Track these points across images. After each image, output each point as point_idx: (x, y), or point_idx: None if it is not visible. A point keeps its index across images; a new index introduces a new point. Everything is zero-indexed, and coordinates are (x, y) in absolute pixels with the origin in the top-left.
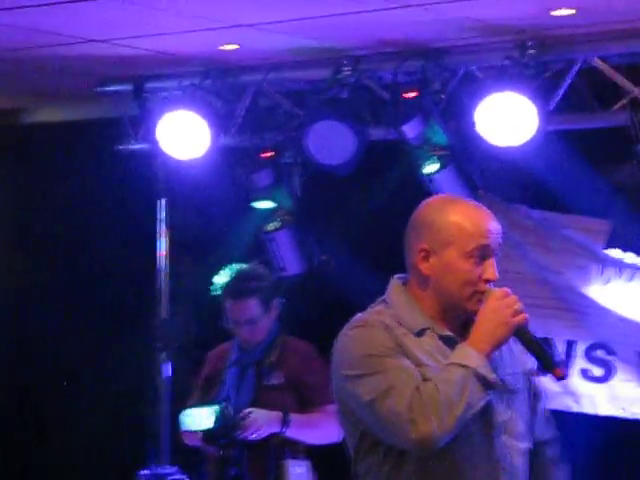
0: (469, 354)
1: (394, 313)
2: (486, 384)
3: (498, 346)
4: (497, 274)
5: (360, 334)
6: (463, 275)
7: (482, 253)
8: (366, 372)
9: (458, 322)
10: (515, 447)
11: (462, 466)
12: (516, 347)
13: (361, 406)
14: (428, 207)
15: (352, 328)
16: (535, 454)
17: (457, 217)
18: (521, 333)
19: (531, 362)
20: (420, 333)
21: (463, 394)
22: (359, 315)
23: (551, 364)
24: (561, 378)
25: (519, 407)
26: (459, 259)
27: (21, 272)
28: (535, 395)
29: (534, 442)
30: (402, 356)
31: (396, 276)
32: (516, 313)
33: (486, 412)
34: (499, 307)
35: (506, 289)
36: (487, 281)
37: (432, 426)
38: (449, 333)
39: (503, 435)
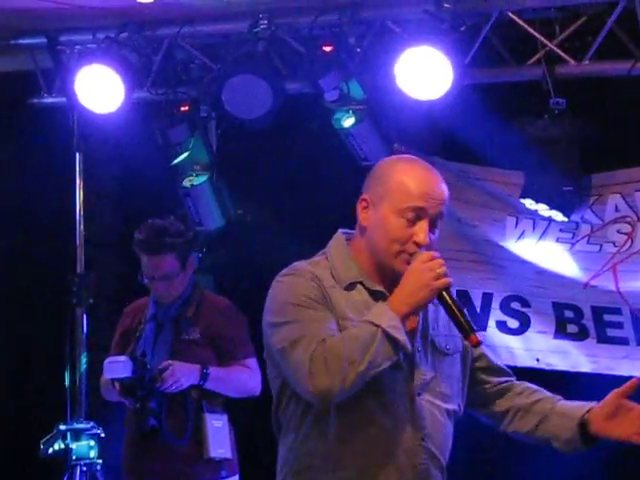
0: (383, 313)
1: (330, 265)
2: (395, 345)
3: (418, 308)
4: (428, 239)
5: (287, 282)
6: (392, 232)
7: (416, 215)
8: (284, 320)
9: (391, 279)
10: (438, 407)
11: (383, 422)
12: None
13: (276, 353)
14: (384, 162)
15: (283, 275)
16: (505, 391)
17: (401, 174)
18: (443, 297)
19: None
20: (350, 286)
21: (367, 352)
22: (295, 263)
23: (468, 331)
24: (476, 345)
25: (447, 369)
26: (391, 214)
27: None
28: (474, 358)
29: (484, 396)
30: (324, 308)
31: (341, 230)
32: (438, 277)
33: (409, 371)
34: (422, 270)
35: (433, 252)
36: (416, 244)
37: (329, 380)
38: (379, 288)
39: (425, 394)
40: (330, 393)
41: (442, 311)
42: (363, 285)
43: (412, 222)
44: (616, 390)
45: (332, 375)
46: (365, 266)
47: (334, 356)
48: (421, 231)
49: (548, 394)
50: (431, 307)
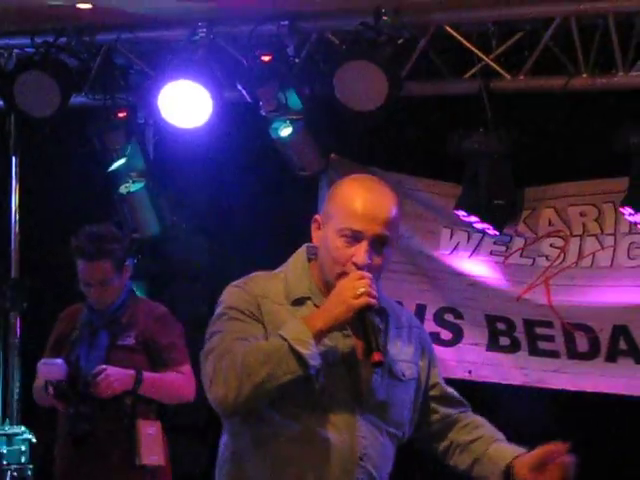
0: (295, 327)
1: (285, 277)
2: (299, 359)
3: (333, 324)
4: (367, 260)
5: (228, 292)
6: (332, 252)
7: (353, 236)
8: (212, 330)
9: None
10: (380, 429)
11: (322, 438)
12: (416, 337)
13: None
14: (339, 181)
15: (231, 285)
16: (452, 424)
17: (345, 194)
18: (360, 316)
19: (428, 354)
20: (298, 302)
21: (267, 364)
22: (253, 274)
23: (371, 348)
24: (375, 364)
25: (400, 395)
26: (333, 235)
27: None
28: (429, 386)
29: (428, 426)
30: (255, 322)
31: (306, 244)
32: (358, 295)
33: (358, 392)
34: (344, 287)
35: (364, 273)
36: (355, 264)
37: (225, 389)
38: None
39: (371, 415)
40: (225, 403)
41: (404, 336)
42: (313, 302)
43: (351, 243)
44: (546, 447)
45: (228, 384)
46: (318, 283)
47: (235, 366)
48: (359, 252)
49: (489, 432)
50: (393, 332)
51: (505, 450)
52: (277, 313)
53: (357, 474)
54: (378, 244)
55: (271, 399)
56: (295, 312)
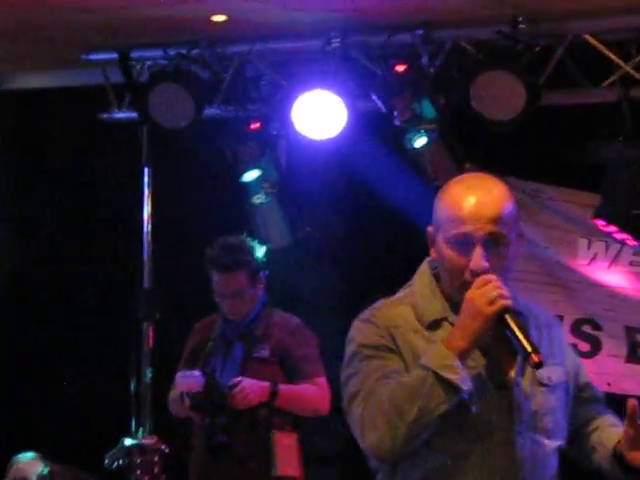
0: (436, 353)
1: (414, 300)
2: (449, 387)
3: (476, 340)
4: (484, 264)
5: (358, 328)
6: (448, 264)
7: (465, 241)
8: (349, 372)
9: None
10: (541, 444)
11: (480, 469)
12: (558, 337)
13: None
14: (443, 186)
15: (358, 319)
16: (595, 424)
17: (446, 199)
18: (503, 320)
19: (572, 354)
20: (434, 325)
21: (417, 399)
22: (377, 303)
23: (528, 351)
24: (535, 366)
25: (549, 401)
26: (444, 246)
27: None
28: (579, 387)
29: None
30: (393, 356)
31: (428, 259)
32: (492, 301)
33: (507, 410)
34: (474, 297)
35: (489, 276)
36: (473, 272)
37: (378, 436)
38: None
39: (527, 432)
40: (381, 449)
41: (545, 337)
42: (449, 321)
43: (464, 250)
44: (626, 418)
45: (380, 430)
46: (451, 300)
47: (383, 408)
48: (475, 257)
49: (608, 421)
50: (532, 335)
51: (612, 432)
52: (413, 341)
53: None
54: (493, 244)
55: (429, 435)
56: (432, 336)
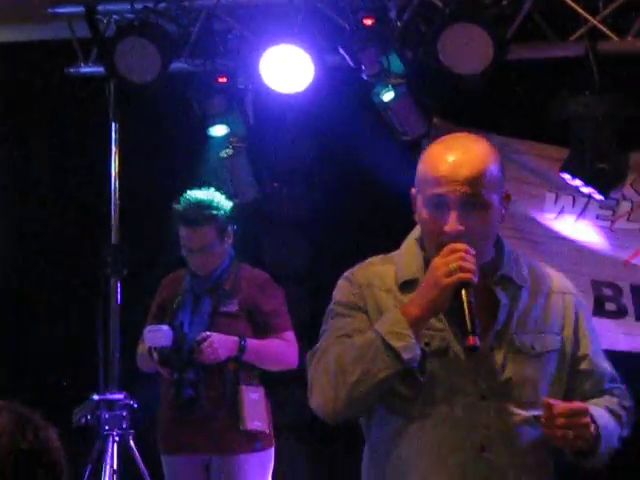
0: (390, 318)
1: (397, 260)
2: (393, 354)
3: (431, 310)
4: (456, 226)
5: (338, 285)
6: (426, 226)
7: (439, 202)
8: (322, 330)
9: None
10: (511, 413)
11: (438, 430)
12: (561, 304)
13: None
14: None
15: (341, 277)
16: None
17: (425, 159)
18: (457, 294)
19: (581, 324)
20: (407, 286)
21: (361, 362)
22: (366, 260)
23: (467, 332)
24: (470, 348)
25: (531, 371)
26: (423, 207)
27: None
28: (576, 358)
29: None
30: (359, 314)
31: None
32: (450, 273)
33: (474, 373)
34: (437, 266)
35: (458, 245)
36: (447, 234)
37: (323, 398)
38: None
39: (493, 399)
40: (324, 409)
41: (541, 304)
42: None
43: (441, 212)
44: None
45: (324, 391)
46: (430, 263)
47: (328, 369)
48: (450, 220)
49: (599, 402)
50: (523, 302)
51: None
52: (383, 301)
53: (478, 467)
54: (470, 207)
55: (374, 399)
56: (403, 298)
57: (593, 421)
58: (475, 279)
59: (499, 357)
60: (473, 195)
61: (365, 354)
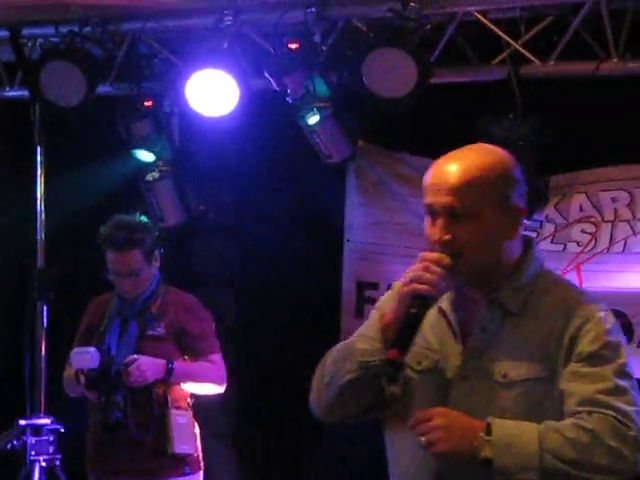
0: (368, 321)
1: None
2: (357, 357)
3: (395, 317)
4: (437, 235)
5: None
6: (425, 233)
7: (430, 211)
8: None
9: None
10: None
11: (407, 453)
12: (559, 329)
13: None
14: None
15: None
16: None
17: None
18: (409, 304)
19: (566, 350)
20: None
21: (335, 363)
22: None
23: (390, 344)
24: (390, 362)
25: (500, 400)
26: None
27: None
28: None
29: None
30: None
31: None
32: (407, 282)
33: (442, 399)
34: (405, 272)
35: (429, 254)
36: (434, 243)
37: (312, 397)
38: (443, 305)
39: None
40: (313, 409)
41: (530, 328)
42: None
43: (433, 220)
44: None
45: (312, 390)
46: None
47: (318, 369)
48: (435, 228)
49: None
50: (507, 325)
51: None
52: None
53: None
54: (456, 217)
55: (352, 402)
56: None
57: (488, 431)
58: (435, 292)
59: (468, 384)
60: (450, 206)
61: (340, 357)
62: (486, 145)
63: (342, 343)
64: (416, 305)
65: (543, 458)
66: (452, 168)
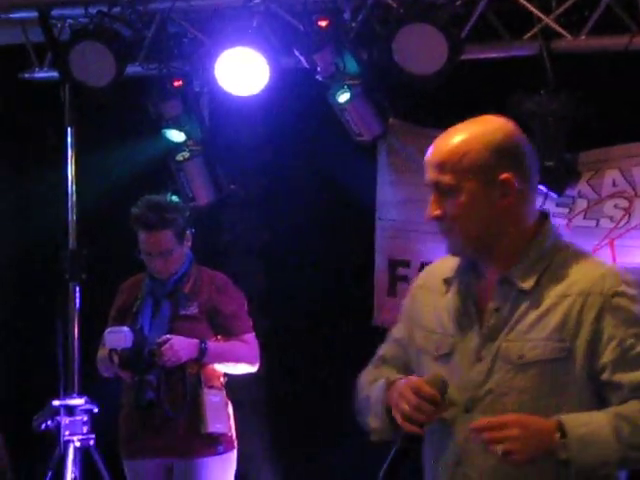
0: (378, 394)
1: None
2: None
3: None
4: (429, 212)
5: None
6: None
7: (430, 188)
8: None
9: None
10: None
11: (429, 445)
12: (579, 307)
13: None
14: None
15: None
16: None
17: None
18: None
19: (596, 328)
20: (447, 282)
21: (362, 411)
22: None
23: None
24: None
25: (520, 382)
26: None
27: None
28: (596, 369)
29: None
30: (405, 319)
31: None
32: (402, 415)
33: (463, 385)
34: (399, 393)
35: (426, 390)
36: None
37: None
38: (460, 287)
39: (476, 411)
40: None
41: (552, 308)
42: (458, 283)
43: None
44: None
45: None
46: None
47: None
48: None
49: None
50: (522, 307)
51: None
52: (422, 306)
53: None
54: (443, 192)
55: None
56: (439, 301)
57: (562, 431)
58: (424, 431)
59: (484, 366)
60: (436, 181)
61: (365, 408)
62: (486, 117)
63: (366, 383)
64: (405, 441)
65: (621, 451)
66: (442, 144)
